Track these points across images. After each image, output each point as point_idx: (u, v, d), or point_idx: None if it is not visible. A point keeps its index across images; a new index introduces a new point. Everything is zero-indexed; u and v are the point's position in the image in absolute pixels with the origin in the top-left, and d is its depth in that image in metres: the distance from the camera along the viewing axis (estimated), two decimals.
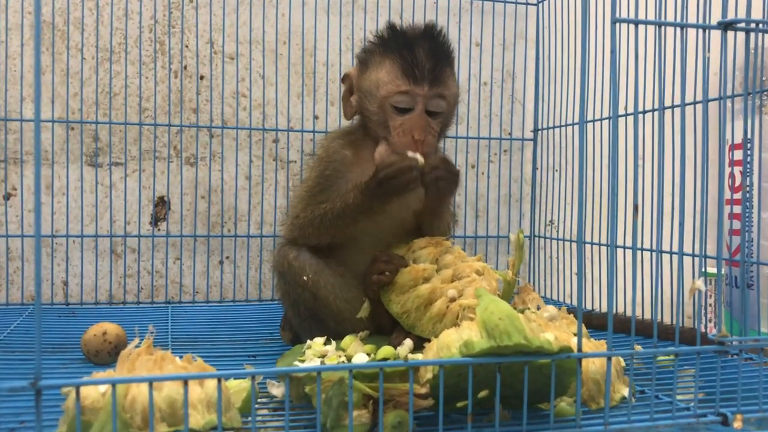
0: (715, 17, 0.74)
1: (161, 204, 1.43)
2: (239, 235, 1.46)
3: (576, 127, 1.48)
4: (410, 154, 0.88)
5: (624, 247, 1.15)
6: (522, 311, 0.85)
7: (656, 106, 1.13)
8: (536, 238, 1.60)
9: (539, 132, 1.60)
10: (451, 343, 0.67)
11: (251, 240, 1.46)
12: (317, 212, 0.93)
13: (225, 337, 1.17)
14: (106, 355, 0.94)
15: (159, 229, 1.43)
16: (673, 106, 1.04)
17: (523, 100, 1.61)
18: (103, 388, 0.63)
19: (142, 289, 1.42)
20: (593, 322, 1.18)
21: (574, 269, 1.47)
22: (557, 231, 1.54)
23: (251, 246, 1.46)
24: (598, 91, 1.35)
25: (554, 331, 0.80)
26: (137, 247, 1.42)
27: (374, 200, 0.89)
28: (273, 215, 1.47)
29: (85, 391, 0.63)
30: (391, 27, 0.96)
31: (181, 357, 0.71)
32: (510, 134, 1.61)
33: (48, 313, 1.30)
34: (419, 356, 0.76)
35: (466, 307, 0.83)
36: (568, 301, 1.48)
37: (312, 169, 0.99)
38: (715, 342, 0.71)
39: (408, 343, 0.82)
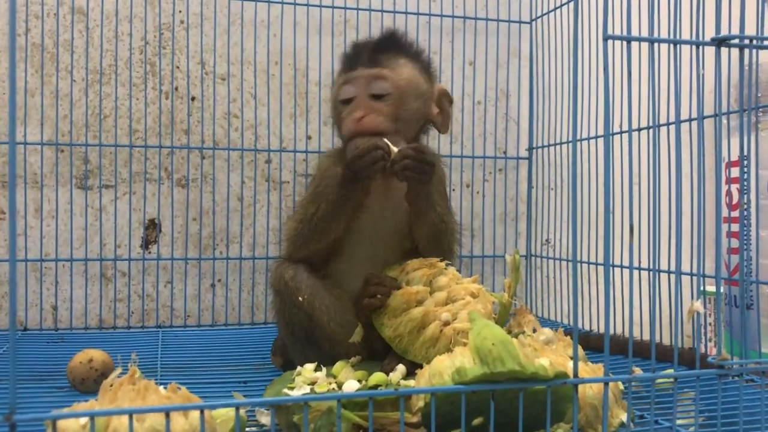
0: (709, 33, 0.73)
1: (152, 227, 1.41)
2: (231, 257, 1.44)
3: (570, 146, 1.47)
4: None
5: (621, 266, 1.13)
6: (517, 335, 0.83)
7: (650, 123, 1.12)
8: (533, 258, 1.58)
9: (534, 150, 1.59)
10: (443, 370, 0.65)
11: (243, 262, 1.44)
12: (305, 219, 0.92)
13: (216, 363, 1.14)
14: (92, 383, 0.91)
15: (150, 252, 1.41)
16: (668, 123, 1.03)
17: (517, 119, 1.60)
18: (83, 420, 0.61)
19: (132, 313, 1.40)
20: (591, 344, 1.16)
21: (571, 289, 1.45)
22: (554, 250, 1.53)
23: (243, 268, 1.44)
24: (592, 109, 1.34)
25: (550, 355, 0.78)
26: (128, 270, 1.40)
27: (348, 188, 0.89)
28: (265, 237, 1.45)
29: (64, 422, 0.61)
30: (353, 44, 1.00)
31: (165, 386, 0.69)
32: (505, 153, 1.60)
33: (37, 338, 1.28)
34: (411, 383, 0.74)
35: (460, 331, 0.81)
36: (565, 320, 1.46)
37: (310, 183, 1.00)
38: (715, 365, 0.69)
39: (400, 368, 0.80)
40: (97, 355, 0.93)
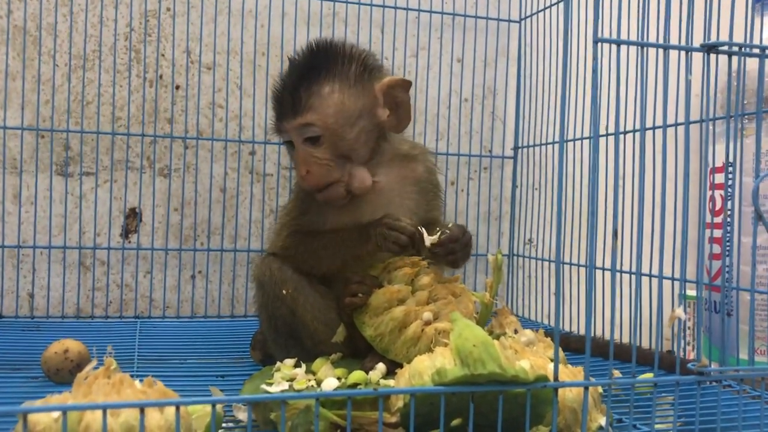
0: (698, 39, 0.73)
1: (132, 216, 1.40)
2: (212, 249, 1.42)
3: (556, 146, 1.47)
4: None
5: (603, 269, 1.13)
6: (498, 336, 0.83)
7: (637, 126, 1.12)
8: (515, 257, 1.58)
9: (519, 150, 1.58)
10: (423, 371, 0.65)
11: (224, 254, 1.43)
12: (301, 240, 0.92)
13: (194, 355, 1.13)
14: (68, 374, 0.90)
15: (129, 242, 1.40)
16: (654, 127, 1.03)
17: (504, 118, 1.60)
18: (56, 413, 0.59)
19: (110, 302, 1.38)
20: (571, 345, 1.16)
21: (553, 289, 1.46)
22: (536, 250, 1.53)
23: (224, 260, 1.43)
24: (579, 111, 1.34)
25: (531, 357, 0.77)
26: (107, 259, 1.38)
27: (363, 245, 0.88)
28: (248, 229, 1.44)
29: (36, 415, 0.60)
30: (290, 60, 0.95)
31: (141, 380, 0.67)
32: (490, 152, 1.60)
33: (12, 326, 1.26)
34: (391, 382, 0.74)
35: (441, 330, 0.81)
36: (545, 321, 1.46)
37: (293, 192, 0.99)
38: (694, 371, 0.69)
39: (381, 367, 0.79)
40: (72, 345, 0.92)
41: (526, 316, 1.52)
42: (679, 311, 0.68)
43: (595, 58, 0.66)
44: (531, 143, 1.54)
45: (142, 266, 1.40)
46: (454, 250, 0.87)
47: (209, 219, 1.42)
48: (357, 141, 0.90)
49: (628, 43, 0.69)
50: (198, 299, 1.42)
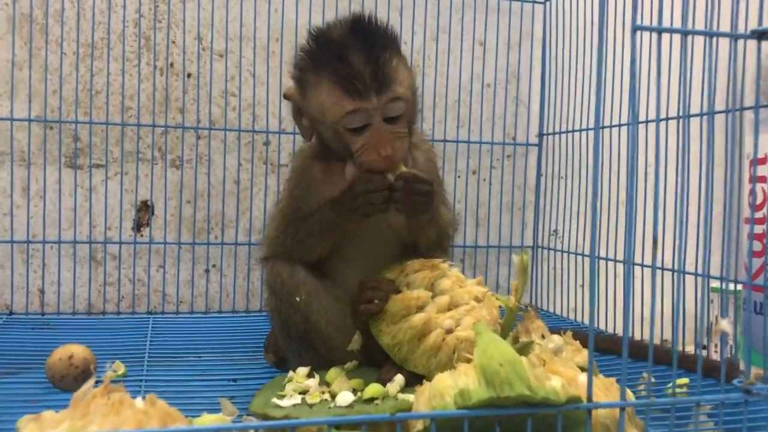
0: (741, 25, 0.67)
1: (144, 209, 1.36)
2: (226, 242, 1.38)
3: (584, 133, 1.40)
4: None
5: (642, 265, 1.08)
6: (525, 347, 0.77)
7: (680, 113, 1.06)
8: (539, 249, 1.52)
9: (545, 137, 1.52)
10: (444, 391, 0.60)
11: (239, 248, 1.39)
12: (289, 231, 0.86)
13: (206, 354, 1.10)
14: (73, 381, 0.86)
15: (141, 235, 1.36)
16: (701, 114, 0.97)
17: (528, 103, 1.54)
18: None
19: (122, 298, 1.35)
20: (598, 345, 1.10)
21: (579, 282, 1.40)
22: (561, 242, 1.47)
23: (239, 254, 1.39)
24: (607, 97, 1.29)
25: (561, 368, 0.72)
26: (118, 254, 1.34)
27: (342, 219, 0.82)
28: (262, 222, 1.39)
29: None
30: (314, 36, 0.85)
31: (144, 397, 0.63)
32: (514, 139, 1.54)
33: (21, 324, 1.23)
34: (411, 397, 0.69)
35: (463, 340, 0.75)
36: (571, 316, 1.41)
37: (285, 188, 0.92)
38: (742, 389, 0.63)
39: (399, 379, 0.74)
40: (78, 351, 0.88)
41: (551, 310, 1.47)
42: (725, 324, 0.63)
43: (633, 47, 0.60)
44: (557, 130, 1.48)
45: (154, 260, 1.36)
46: (417, 190, 0.80)
47: (223, 211, 1.38)
48: (415, 118, 0.87)
49: (671, 30, 0.63)
50: (212, 294, 1.38)
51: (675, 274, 1.06)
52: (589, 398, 0.59)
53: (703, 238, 0.65)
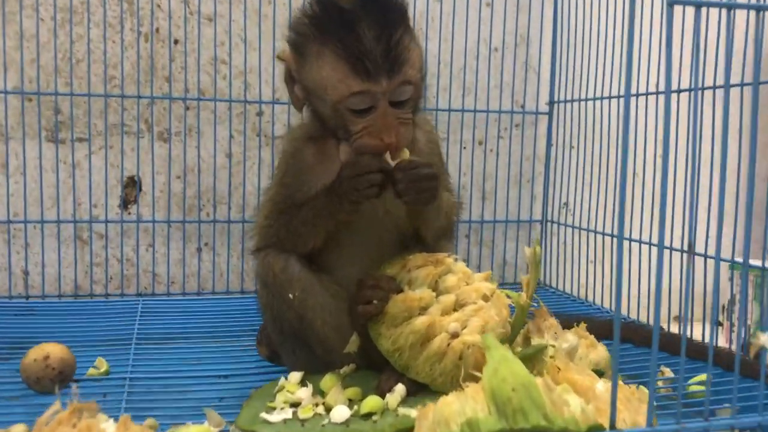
0: None
1: (131, 185, 1.28)
2: (219, 219, 1.31)
3: (598, 102, 1.32)
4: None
5: (671, 249, 1.01)
6: (538, 352, 0.71)
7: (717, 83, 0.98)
8: (548, 223, 1.45)
9: (556, 105, 1.43)
10: (450, 417, 0.53)
11: (232, 225, 1.32)
12: (282, 220, 0.79)
13: (196, 341, 1.05)
14: (49, 383, 0.80)
15: (129, 213, 1.29)
16: (742, 84, 0.89)
17: (538, 69, 1.44)
18: None
19: (111, 279, 1.28)
20: (601, 331, 1.03)
21: (589, 257, 1.33)
22: (572, 215, 1.40)
23: (232, 232, 1.32)
24: (617, 64, 1.22)
25: (575, 376, 0.65)
26: (105, 233, 1.27)
27: (337, 206, 0.75)
28: (256, 197, 1.31)
29: None
30: (321, 1, 0.76)
31: (116, 419, 0.57)
32: (523, 107, 1.45)
33: (4, 309, 1.17)
34: (412, 413, 0.63)
35: (470, 345, 0.69)
36: (581, 293, 1.35)
37: (276, 172, 0.85)
38: None
39: (399, 390, 0.68)
40: (54, 350, 0.81)
41: (560, 288, 1.41)
42: (765, 338, 0.56)
43: (669, 24, 0.53)
44: (568, 98, 1.39)
45: (143, 239, 1.29)
46: (419, 177, 0.73)
47: (214, 187, 1.31)
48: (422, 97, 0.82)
49: (711, 4, 0.54)
50: (205, 274, 1.32)
51: (708, 260, 1.01)
52: (612, 425, 0.53)
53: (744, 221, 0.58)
